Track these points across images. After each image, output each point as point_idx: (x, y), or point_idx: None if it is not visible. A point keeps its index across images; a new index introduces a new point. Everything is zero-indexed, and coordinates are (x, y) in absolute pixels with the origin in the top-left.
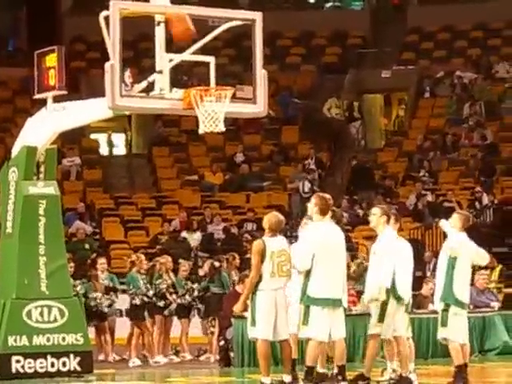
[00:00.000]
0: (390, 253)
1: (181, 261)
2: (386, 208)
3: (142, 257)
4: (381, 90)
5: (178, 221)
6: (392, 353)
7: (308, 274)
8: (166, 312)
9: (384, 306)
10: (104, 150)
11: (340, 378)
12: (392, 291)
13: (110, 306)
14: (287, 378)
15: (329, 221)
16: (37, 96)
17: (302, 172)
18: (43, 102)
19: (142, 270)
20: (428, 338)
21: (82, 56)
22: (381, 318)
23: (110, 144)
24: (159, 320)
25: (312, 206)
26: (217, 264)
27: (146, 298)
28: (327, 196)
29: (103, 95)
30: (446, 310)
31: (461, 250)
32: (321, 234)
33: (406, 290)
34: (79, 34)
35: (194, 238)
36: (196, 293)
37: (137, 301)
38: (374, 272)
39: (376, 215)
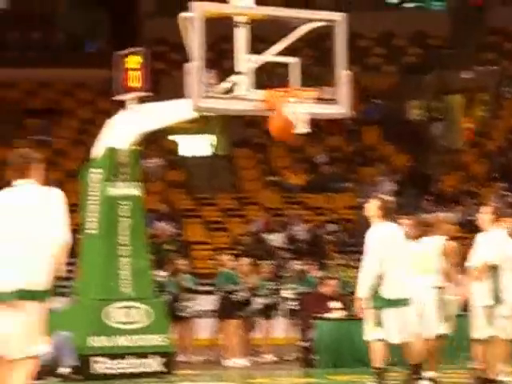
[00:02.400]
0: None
1: (262, 262)
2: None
3: (227, 258)
4: (462, 90)
5: (260, 222)
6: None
7: (380, 277)
8: (246, 313)
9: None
10: (185, 152)
11: (415, 376)
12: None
13: (190, 307)
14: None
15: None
16: (117, 97)
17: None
18: (124, 104)
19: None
20: None
21: (163, 57)
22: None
23: (192, 145)
24: (240, 321)
25: (374, 209)
26: (299, 266)
27: (232, 298)
28: (389, 198)
29: (185, 96)
30: None
31: None
32: (385, 236)
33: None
34: (161, 35)
35: (276, 239)
36: (279, 294)
37: (226, 300)
38: None
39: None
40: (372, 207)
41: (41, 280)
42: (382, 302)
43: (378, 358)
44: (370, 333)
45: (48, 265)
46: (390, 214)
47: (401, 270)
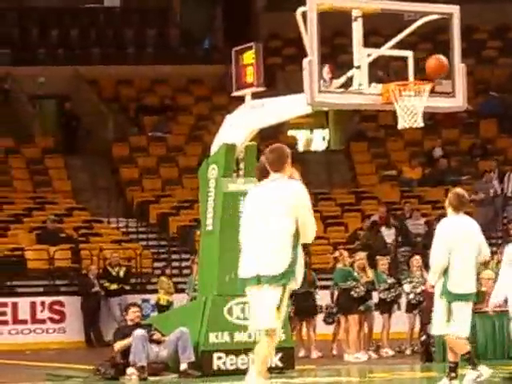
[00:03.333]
0: None
1: (379, 256)
2: None
3: (345, 253)
4: None
5: (378, 216)
6: None
7: (446, 270)
8: (365, 307)
9: None
10: (302, 147)
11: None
12: None
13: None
14: None
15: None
16: (235, 93)
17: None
18: (240, 99)
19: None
20: None
21: (278, 52)
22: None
23: (309, 140)
24: (358, 315)
25: (447, 201)
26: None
27: (351, 294)
28: (461, 192)
29: (300, 91)
30: None
31: None
32: (454, 229)
33: None
34: (275, 30)
35: (392, 233)
36: (398, 288)
37: (344, 296)
38: None
39: None
40: (447, 199)
41: (277, 267)
42: (452, 296)
43: (456, 351)
44: (440, 327)
45: (285, 254)
46: (463, 206)
47: (465, 263)
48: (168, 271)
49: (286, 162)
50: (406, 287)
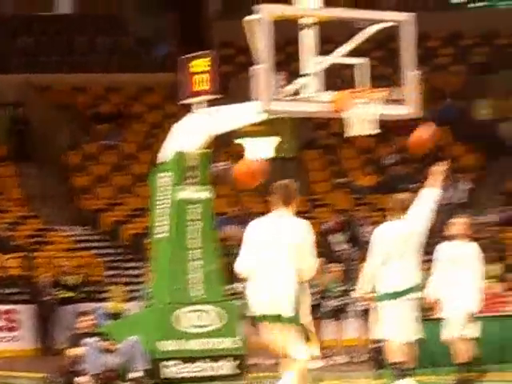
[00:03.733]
0: None
1: (331, 264)
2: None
3: None
4: None
5: (330, 223)
6: None
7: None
8: (316, 315)
9: None
10: (254, 155)
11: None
12: None
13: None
14: None
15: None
16: (182, 101)
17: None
18: (191, 108)
19: None
20: None
21: (231, 60)
22: None
23: (261, 148)
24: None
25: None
26: None
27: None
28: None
29: (252, 99)
30: None
31: None
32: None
33: None
34: (228, 38)
35: (343, 241)
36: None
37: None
38: None
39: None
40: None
41: (287, 305)
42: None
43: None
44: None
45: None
46: (395, 211)
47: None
48: (120, 279)
49: (295, 198)
50: (355, 294)
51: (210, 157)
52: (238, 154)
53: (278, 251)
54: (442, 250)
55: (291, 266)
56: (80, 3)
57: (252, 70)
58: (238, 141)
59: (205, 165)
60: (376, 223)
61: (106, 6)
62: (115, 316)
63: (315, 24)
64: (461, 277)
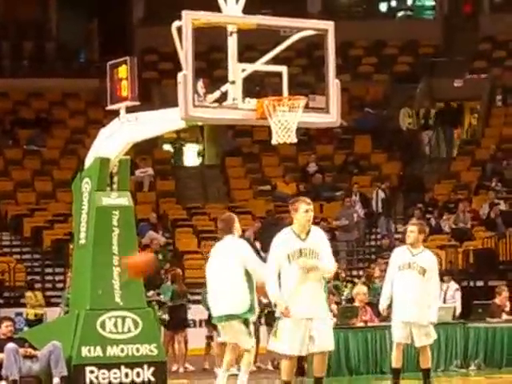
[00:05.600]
0: None
1: None
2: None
3: None
4: (453, 98)
5: (252, 231)
6: None
7: None
8: None
9: None
10: (176, 161)
11: None
12: None
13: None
14: None
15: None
16: (109, 107)
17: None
18: (116, 113)
19: None
20: (502, 347)
21: (154, 67)
22: None
23: (183, 155)
24: None
25: None
26: None
27: None
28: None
29: (175, 106)
30: None
31: None
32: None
33: None
34: (151, 44)
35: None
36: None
37: None
38: None
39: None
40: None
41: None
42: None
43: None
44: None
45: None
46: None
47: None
48: (40, 285)
49: (233, 226)
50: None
51: (129, 163)
52: (162, 160)
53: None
54: (397, 255)
55: (238, 276)
56: (3, 8)
57: (177, 77)
58: (163, 147)
59: (124, 171)
60: None
61: (29, 12)
62: (32, 322)
63: (238, 31)
64: (415, 283)
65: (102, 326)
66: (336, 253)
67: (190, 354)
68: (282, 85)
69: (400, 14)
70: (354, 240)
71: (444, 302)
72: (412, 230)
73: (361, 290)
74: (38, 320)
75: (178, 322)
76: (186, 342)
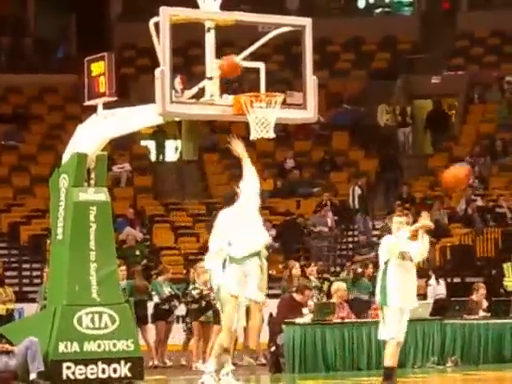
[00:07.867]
0: None
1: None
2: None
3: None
4: (430, 95)
5: None
6: None
7: None
8: (202, 318)
9: None
10: (154, 157)
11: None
12: None
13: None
14: None
15: None
16: (87, 103)
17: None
18: (93, 109)
19: None
20: (479, 344)
21: (131, 62)
22: None
23: (160, 150)
24: (197, 326)
25: None
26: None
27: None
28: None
29: (153, 101)
30: None
31: None
32: None
33: None
34: (129, 40)
35: None
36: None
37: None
38: None
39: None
40: None
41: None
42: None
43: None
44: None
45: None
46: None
47: None
48: (13, 280)
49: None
50: None
51: (106, 159)
52: (139, 156)
53: None
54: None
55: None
56: None
57: (154, 73)
58: (141, 143)
59: (102, 167)
60: (274, 227)
61: (7, 7)
62: (3, 318)
63: (216, 27)
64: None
65: (79, 321)
66: (314, 250)
67: (168, 349)
68: (259, 81)
69: (378, 10)
70: (331, 237)
71: (425, 298)
72: (401, 220)
73: (341, 286)
74: (8, 316)
75: (138, 318)
76: (166, 338)
